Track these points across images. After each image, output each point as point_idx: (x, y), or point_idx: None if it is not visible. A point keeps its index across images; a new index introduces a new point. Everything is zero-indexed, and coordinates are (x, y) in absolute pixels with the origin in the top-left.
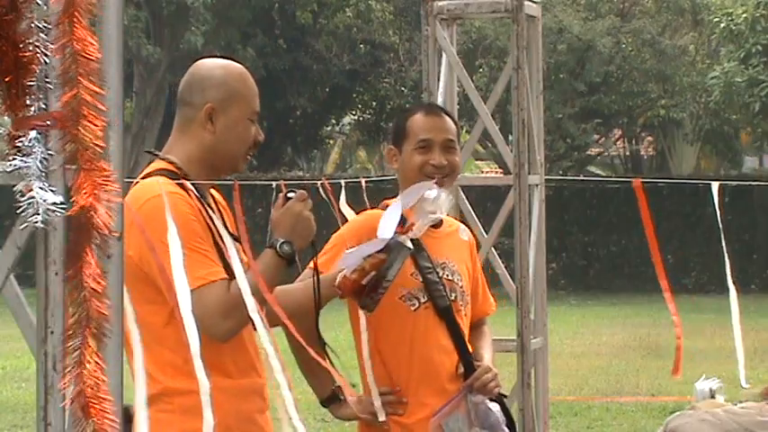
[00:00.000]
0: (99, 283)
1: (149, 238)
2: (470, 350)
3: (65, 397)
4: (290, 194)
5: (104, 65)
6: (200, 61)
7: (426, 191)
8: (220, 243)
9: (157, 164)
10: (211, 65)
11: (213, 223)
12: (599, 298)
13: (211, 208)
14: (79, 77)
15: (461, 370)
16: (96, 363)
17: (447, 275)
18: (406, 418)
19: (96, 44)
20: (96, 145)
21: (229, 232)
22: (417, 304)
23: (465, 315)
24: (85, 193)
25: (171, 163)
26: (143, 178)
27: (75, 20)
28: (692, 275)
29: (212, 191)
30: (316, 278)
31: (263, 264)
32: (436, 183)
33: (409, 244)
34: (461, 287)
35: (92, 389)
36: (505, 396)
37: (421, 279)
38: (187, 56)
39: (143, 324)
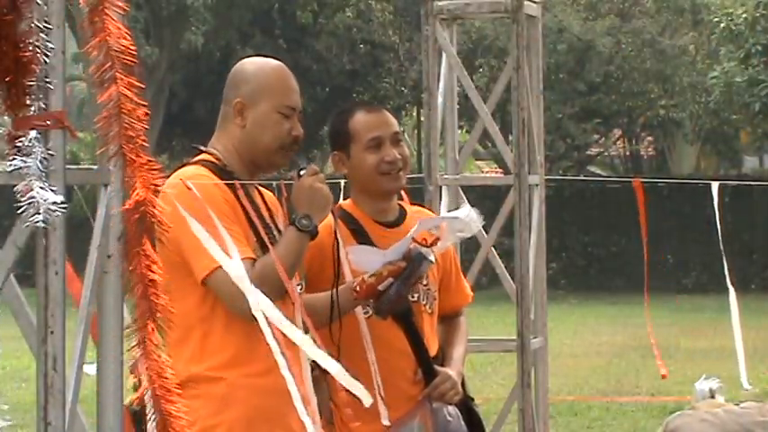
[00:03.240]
0: (156, 272)
1: (188, 210)
2: (430, 353)
3: (139, 386)
4: (301, 171)
5: None
6: (242, 61)
7: (461, 210)
8: (260, 229)
9: (200, 156)
10: (246, 62)
11: (252, 210)
12: (599, 298)
13: (252, 199)
14: (117, 73)
15: (419, 376)
16: (162, 355)
17: None
18: (365, 426)
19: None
20: (141, 139)
21: (276, 226)
22: (369, 312)
23: (431, 312)
24: (141, 187)
25: (211, 154)
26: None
27: (105, 16)
28: (692, 275)
29: (261, 188)
30: (334, 292)
31: (287, 240)
32: (392, 177)
33: (432, 257)
34: (426, 285)
35: (161, 381)
36: (472, 399)
37: None
38: (187, 56)
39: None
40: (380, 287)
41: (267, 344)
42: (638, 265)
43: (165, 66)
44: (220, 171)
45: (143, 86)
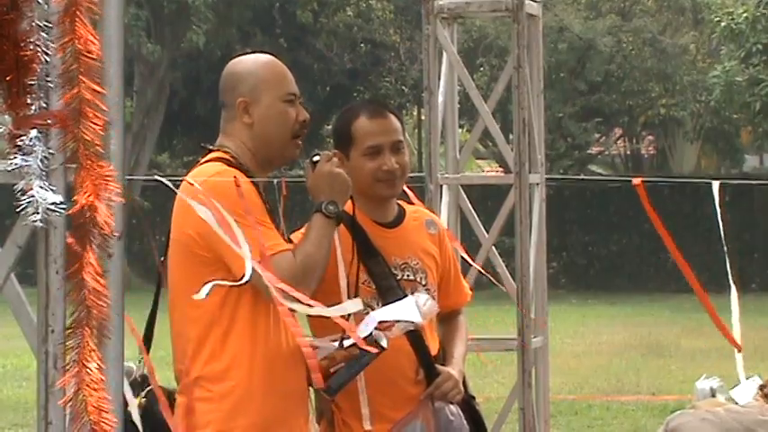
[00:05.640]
0: (99, 282)
1: (222, 206)
2: (432, 353)
3: (64, 395)
4: (315, 158)
5: (105, 64)
6: (229, 63)
7: (417, 298)
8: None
9: (213, 154)
10: (238, 62)
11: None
12: (599, 297)
13: (263, 197)
14: (80, 76)
15: (421, 375)
16: (96, 362)
17: (407, 276)
18: (364, 428)
19: (98, 43)
20: (97, 144)
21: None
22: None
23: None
24: (86, 192)
25: (226, 152)
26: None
27: (76, 19)
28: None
29: None
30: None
31: (315, 228)
32: (389, 185)
33: (384, 343)
34: (425, 285)
35: (90, 387)
36: (473, 398)
37: (374, 287)
38: (188, 55)
39: (192, 305)
40: (332, 370)
41: (287, 346)
42: (639, 264)
43: (166, 64)
44: (238, 168)
45: (104, 93)
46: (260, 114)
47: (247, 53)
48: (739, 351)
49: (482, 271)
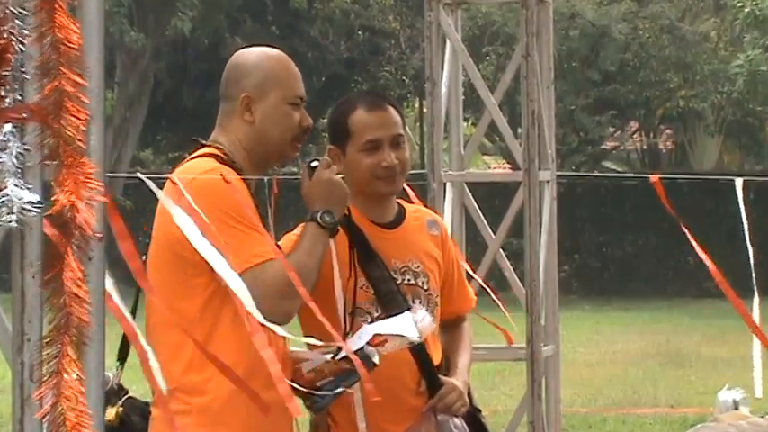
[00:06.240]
0: (80, 287)
1: (204, 211)
2: (434, 362)
3: (41, 408)
4: (313, 164)
5: (84, 53)
6: (237, 53)
7: (415, 314)
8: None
9: (205, 149)
10: (246, 54)
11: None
12: (614, 302)
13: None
14: (60, 68)
15: (423, 387)
16: (75, 372)
17: (408, 280)
18: None
19: (78, 32)
20: (79, 140)
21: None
22: (369, 320)
23: (432, 320)
24: (67, 191)
25: (218, 149)
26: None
27: (55, 6)
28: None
29: None
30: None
31: (308, 237)
32: (388, 182)
33: (376, 359)
34: (427, 290)
35: (69, 400)
36: (479, 410)
37: (372, 291)
38: (173, 43)
39: (172, 310)
40: (318, 383)
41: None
42: (656, 266)
43: (150, 53)
44: (230, 167)
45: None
46: (263, 113)
47: (256, 45)
48: None
49: (483, 285)
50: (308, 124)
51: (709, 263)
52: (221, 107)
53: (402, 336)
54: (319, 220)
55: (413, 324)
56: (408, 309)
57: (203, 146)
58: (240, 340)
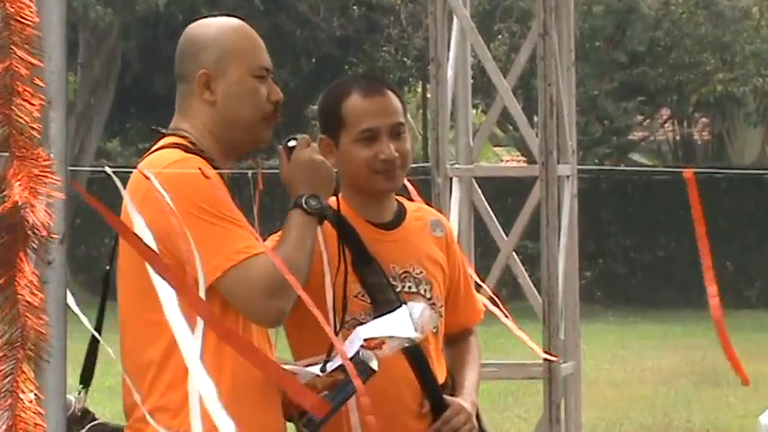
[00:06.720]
0: (35, 295)
1: (175, 204)
2: (438, 381)
3: None
4: (290, 143)
5: (43, 31)
6: (189, 26)
7: (411, 308)
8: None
9: (167, 139)
10: (198, 26)
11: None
12: (643, 313)
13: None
14: (12, 47)
15: (426, 408)
16: (32, 392)
17: (409, 288)
18: None
19: (34, 6)
20: (33, 128)
21: None
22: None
23: (436, 333)
24: (20, 187)
25: (183, 137)
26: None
27: None
28: (756, 286)
29: None
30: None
31: (295, 227)
32: (386, 176)
33: (374, 365)
34: (430, 299)
35: (26, 423)
36: None
37: (369, 300)
38: (144, 20)
39: (149, 323)
40: None
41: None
42: (690, 273)
43: (118, 31)
44: (200, 156)
45: (42, 66)
46: (224, 91)
47: (212, 16)
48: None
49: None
50: (278, 98)
51: (709, 273)
52: (178, 89)
53: (400, 335)
54: (304, 205)
55: (410, 320)
56: (404, 303)
57: (165, 135)
58: (225, 355)
